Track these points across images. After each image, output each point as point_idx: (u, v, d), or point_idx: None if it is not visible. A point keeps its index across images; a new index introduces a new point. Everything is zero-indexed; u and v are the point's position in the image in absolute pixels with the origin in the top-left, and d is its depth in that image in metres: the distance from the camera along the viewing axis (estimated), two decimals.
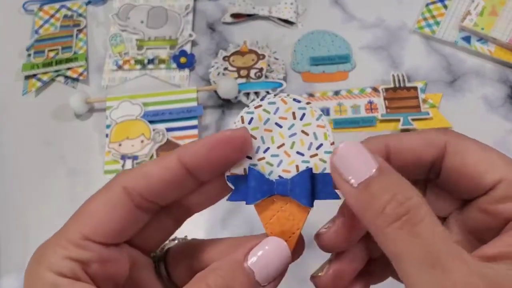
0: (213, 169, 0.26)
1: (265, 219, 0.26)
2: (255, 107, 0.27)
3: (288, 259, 0.24)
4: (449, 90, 0.59)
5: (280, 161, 0.26)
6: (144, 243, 0.27)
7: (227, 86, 0.57)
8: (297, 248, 0.26)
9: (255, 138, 0.27)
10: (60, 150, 0.59)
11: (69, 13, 0.67)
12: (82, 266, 0.23)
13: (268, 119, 0.27)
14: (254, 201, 0.26)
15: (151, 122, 0.58)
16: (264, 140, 0.27)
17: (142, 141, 0.57)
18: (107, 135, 0.58)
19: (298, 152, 0.26)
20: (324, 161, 0.26)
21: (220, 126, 0.59)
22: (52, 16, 0.67)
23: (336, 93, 0.60)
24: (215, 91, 0.60)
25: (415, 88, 0.59)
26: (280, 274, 0.24)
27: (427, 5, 0.64)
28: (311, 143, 0.26)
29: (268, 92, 0.59)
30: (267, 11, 0.65)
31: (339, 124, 0.58)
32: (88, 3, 0.68)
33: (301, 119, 0.27)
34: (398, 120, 0.57)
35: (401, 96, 0.59)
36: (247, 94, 0.59)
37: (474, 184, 0.24)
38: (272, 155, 0.26)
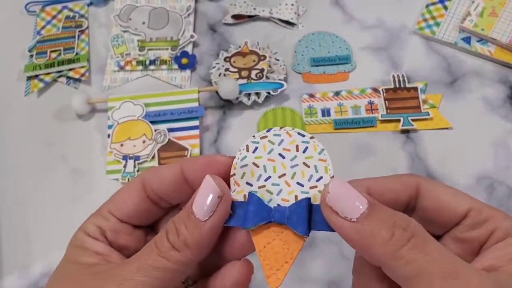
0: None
1: (259, 245, 0.26)
2: (261, 138, 0.28)
3: (218, 191, 0.26)
4: (449, 90, 0.60)
5: (280, 190, 0.27)
6: None
7: (228, 87, 0.58)
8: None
9: (258, 167, 0.27)
10: (62, 150, 0.59)
11: (71, 14, 0.68)
12: (101, 231, 0.29)
13: (272, 150, 0.28)
14: (251, 225, 0.26)
15: (152, 122, 0.58)
16: (266, 169, 0.27)
17: (144, 142, 0.57)
18: (109, 136, 0.58)
19: (298, 183, 0.27)
20: None
21: (221, 126, 0.60)
22: (54, 17, 0.68)
23: (337, 93, 0.60)
24: (216, 92, 0.60)
25: (415, 89, 0.59)
26: (213, 207, 0.26)
27: (427, 6, 0.64)
28: (311, 175, 0.27)
29: (269, 93, 0.59)
30: (268, 12, 0.65)
31: (339, 125, 0.58)
32: (89, 4, 0.69)
33: (303, 151, 0.27)
34: (398, 121, 0.57)
35: (401, 97, 0.59)
36: (248, 95, 0.59)
37: (449, 216, 0.27)
38: (273, 184, 0.27)
